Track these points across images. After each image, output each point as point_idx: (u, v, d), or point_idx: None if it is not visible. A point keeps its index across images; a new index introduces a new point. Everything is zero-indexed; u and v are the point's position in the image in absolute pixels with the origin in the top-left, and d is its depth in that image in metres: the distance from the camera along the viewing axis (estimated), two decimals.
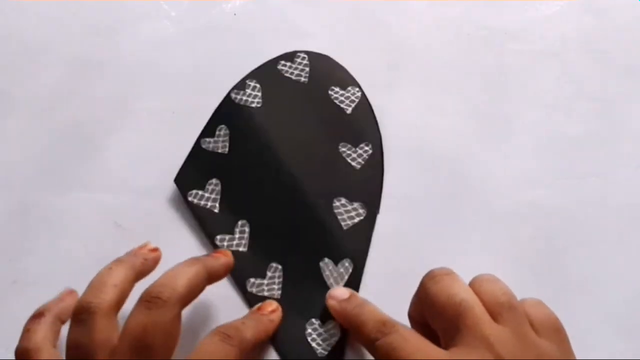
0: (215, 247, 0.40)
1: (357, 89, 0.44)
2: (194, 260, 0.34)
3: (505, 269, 0.33)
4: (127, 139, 0.45)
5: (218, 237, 0.40)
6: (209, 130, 0.44)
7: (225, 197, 0.41)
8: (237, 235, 0.40)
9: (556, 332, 0.29)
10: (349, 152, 0.42)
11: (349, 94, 0.44)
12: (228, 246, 0.39)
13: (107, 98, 0.47)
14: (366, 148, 0.42)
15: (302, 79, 0.45)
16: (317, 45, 0.49)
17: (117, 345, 0.29)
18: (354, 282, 0.38)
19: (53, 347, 0.31)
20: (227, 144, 0.43)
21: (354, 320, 0.32)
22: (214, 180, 0.42)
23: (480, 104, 0.46)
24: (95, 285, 0.31)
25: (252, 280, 0.38)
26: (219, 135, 0.44)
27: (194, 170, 0.42)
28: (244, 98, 0.45)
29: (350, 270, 0.38)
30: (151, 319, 0.29)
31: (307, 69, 0.46)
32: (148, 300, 0.30)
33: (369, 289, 0.38)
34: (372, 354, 0.30)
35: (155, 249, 0.36)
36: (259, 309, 0.36)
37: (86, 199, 0.42)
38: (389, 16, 0.51)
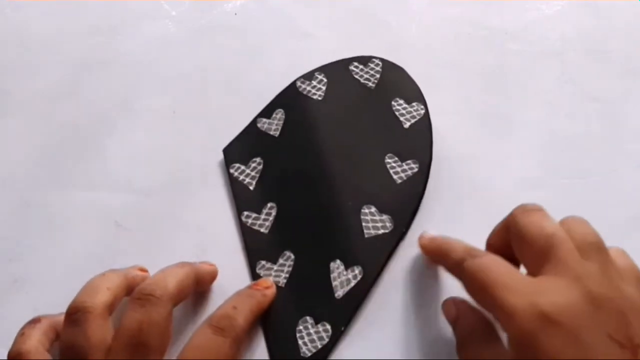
0: (240, 222, 0.40)
1: (422, 107, 0.43)
2: (184, 263, 0.35)
3: None
4: (127, 139, 0.45)
5: (245, 212, 0.41)
6: (267, 111, 0.45)
7: (262, 178, 0.42)
8: (262, 216, 0.40)
9: (638, 281, 0.29)
10: (394, 164, 0.42)
11: (411, 109, 0.44)
12: (252, 224, 0.40)
13: (108, 98, 0.47)
14: (413, 165, 0.41)
15: (370, 84, 0.45)
16: (318, 45, 0.49)
17: (112, 345, 0.29)
18: (359, 291, 0.37)
19: (46, 352, 0.31)
20: (280, 128, 0.44)
21: (443, 247, 0.34)
22: (257, 159, 0.43)
23: (480, 104, 0.46)
24: (89, 287, 0.32)
25: (262, 262, 0.39)
26: (274, 118, 0.45)
27: (243, 145, 0.44)
28: (308, 88, 0.46)
29: (359, 279, 0.37)
30: (146, 315, 0.30)
31: (378, 75, 0.45)
32: (141, 297, 0.30)
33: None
34: (458, 276, 0.31)
35: (144, 270, 0.36)
36: (255, 283, 0.36)
37: (86, 198, 0.42)
38: (389, 16, 0.51)
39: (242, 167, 0.43)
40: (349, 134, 0.43)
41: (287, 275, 0.38)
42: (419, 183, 0.41)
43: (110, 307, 0.31)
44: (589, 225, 0.31)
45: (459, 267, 0.31)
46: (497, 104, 0.46)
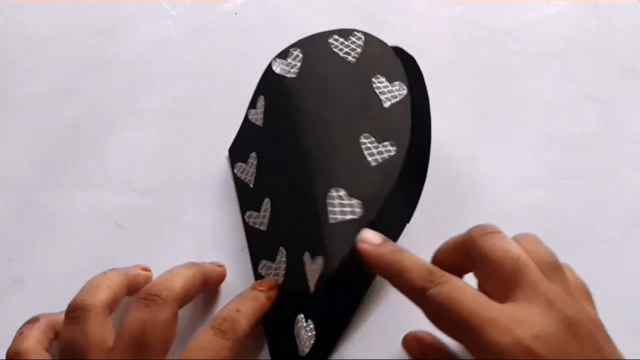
0: (244, 222, 0.40)
1: (405, 87, 0.39)
2: (192, 263, 0.34)
3: None
4: (127, 139, 0.45)
5: (247, 212, 0.40)
6: (253, 101, 0.43)
7: (259, 173, 0.41)
8: (262, 213, 0.39)
9: (590, 300, 0.29)
10: (370, 145, 0.37)
11: (393, 89, 0.39)
12: (253, 223, 0.39)
13: (108, 97, 0.47)
14: (390, 148, 0.37)
15: (350, 58, 0.40)
16: None
17: (114, 344, 0.29)
18: (326, 283, 0.34)
19: (45, 352, 0.31)
20: (262, 117, 0.42)
21: (394, 266, 0.30)
22: (253, 154, 0.41)
23: (480, 104, 0.46)
24: (89, 285, 0.32)
25: (264, 261, 0.38)
26: (258, 107, 0.42)
27: (242, 142, 0.43)
28: (282, 67, 0.42)
29: (321, 269, 0.34)
30: (151, 316, 0.29)
31: (359, 50, 0.41)
32: (146, 298, 0.30)
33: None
34: (419, 304, 0.28)
35: (147, 269, 0.36)
36: (258, 284, 0.36)
37: (86, 198, 0.42)
38: (389, 16, 0.51)
39: (244, 166, 0.42)
40: (324, 112, 0.39)
41: (284, 272, 0.37)
42: (394, 167, 0.36)
43: (111, 306, 0.31)
44: (541, 243, 0.30)
45: (419, 294, 0.28)
46: (498, 104, 0.46)
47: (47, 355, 0.31)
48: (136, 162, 0.44)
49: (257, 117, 0.42)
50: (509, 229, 0.40)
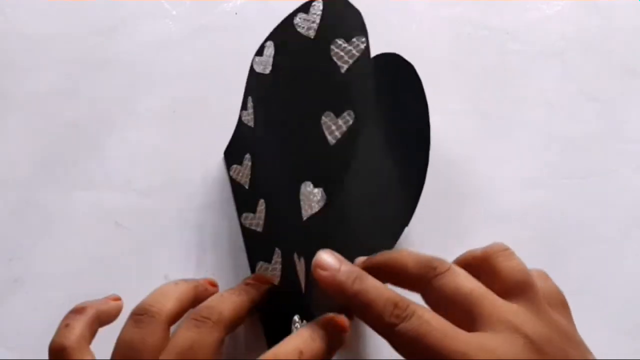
0: (241, 224, 0.40)
1: (364, 39, 0.34)
2: (242, 289, 0.34)
3: None
4: (127, 139, 0.45)
5: (244, 214, 0.40)
6: (244, 102, 0.42)
7: (253, 175, 0.40)
8: (257, 215, 0.39)
9: (564, 307, 0.29)
10: (330, 123, 0.33)
11: (351, 47, 0.34)
12: (249, 224, 0.39)
13: (108, 97, 0.47)
14: (348, 118, 0.33)
15: (311, 33, 0.36)
16: None
17: (161, 355, 0.29)
18: (309, 283, 0.32)
19: (89, 348, 0.31)
20: (252, 117, 0.40)
21: (357, 298, 0.28)
22: (247, 156, 0.40)
23: (480, 104, 0.46)
24: (160, 292, 0.32)
25: (261, 263, 0.38)
26: (249, 108, 0.41)
27: (237, 144, 0.42)
28: (261, 65, 0.40)
29: (304, 270, 0.33)
30: (200, 337, 0.30)
31: (318, 20, 0.36)
32: (197, 319, 0.30)
33: None
34: (388, 340, 0.27)
35: (214, 284, 0.36)
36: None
37: (86, 198, 0.42)
38: (390, 15, 0.51)
39: (239, 167, 0.42)
40: (295, 104, 0.36)
41: (280, 274, 0.37)
42: (352, 138, 0.32)
43: (175, 318, 0.31)
44: (513, 258, 0.29)
45: (388, 331, 0.27)
46: (497, 104, 0.46)
47: (91, 354, 0.31)
48: (136, 162, 0.44)
49: (249, 117, 0.41)
50: (509, 229, 0.40)
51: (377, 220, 0.37)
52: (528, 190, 0.42)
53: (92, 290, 0.34)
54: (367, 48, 0.34)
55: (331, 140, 0.33)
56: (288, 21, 0.38)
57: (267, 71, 0.39)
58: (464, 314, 0.27)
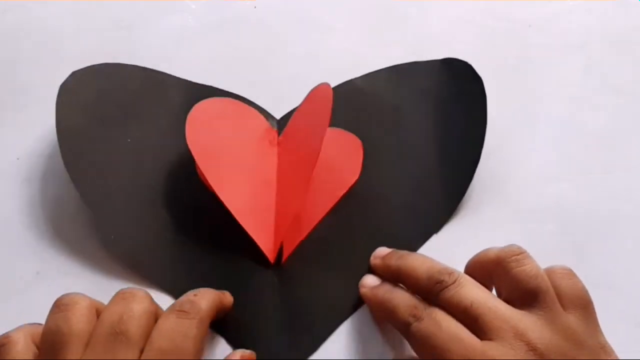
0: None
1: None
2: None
3: None
4: None
5: None
6: None
7: None
8: None
9: (584, 308, 0.29)
10: None
11: None
12: None
13: None
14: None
15: None
16: (338, 38, 0.49)
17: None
18: None
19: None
20: None
21: (386, 305, 0.32)
22: None
23: (503, 97, 0.45)
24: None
25: None
26: None
27: None
28: None
29: None
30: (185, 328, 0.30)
31: None
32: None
33: None
34: (406, 338, 0.30)
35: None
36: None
37: None
38: (411, 9, 0.51)
39: None
40: None
41: None
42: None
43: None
44: (527, 262, 0.30)
45: (405, 329, 0.30)
46: (521, 98, 0.45)
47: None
48: None
49: None
50: (531, 223, 0.40)
51: (408, 217, 0.39)
52: (551, 184, 0.41)
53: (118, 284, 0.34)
54: None
55: None
56: None
57: None
58: (472, 326, 0.28)
